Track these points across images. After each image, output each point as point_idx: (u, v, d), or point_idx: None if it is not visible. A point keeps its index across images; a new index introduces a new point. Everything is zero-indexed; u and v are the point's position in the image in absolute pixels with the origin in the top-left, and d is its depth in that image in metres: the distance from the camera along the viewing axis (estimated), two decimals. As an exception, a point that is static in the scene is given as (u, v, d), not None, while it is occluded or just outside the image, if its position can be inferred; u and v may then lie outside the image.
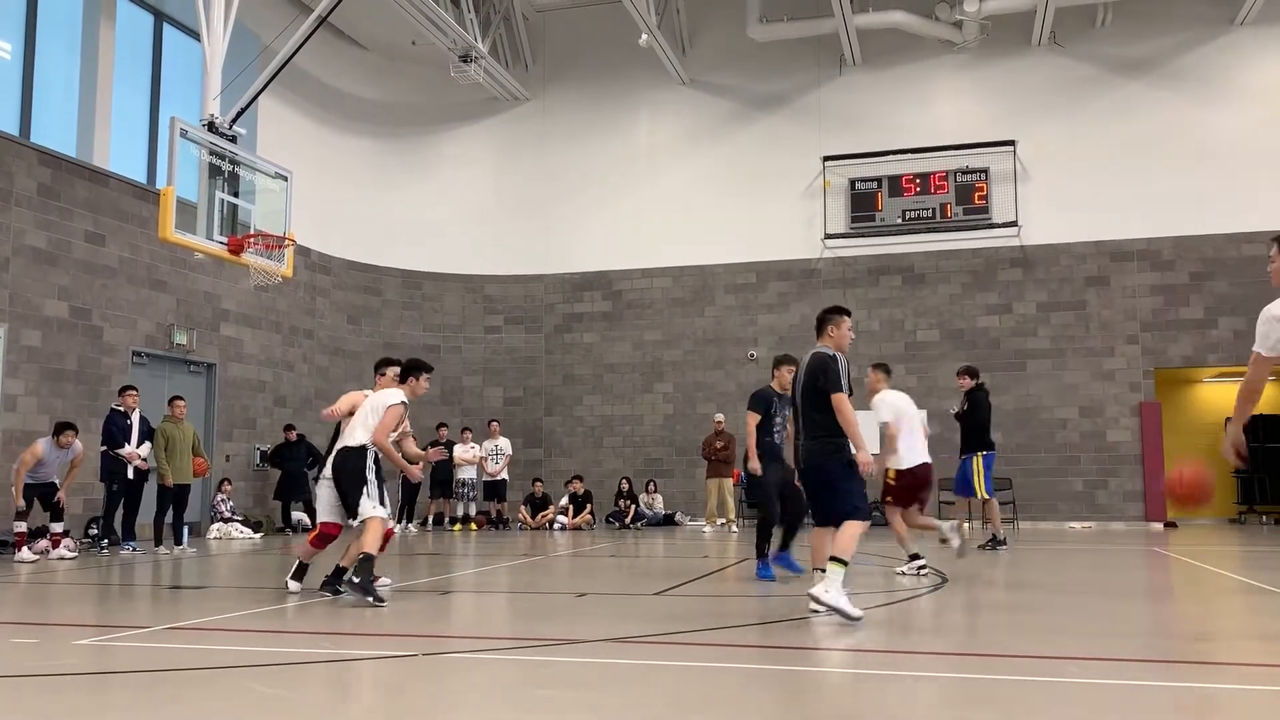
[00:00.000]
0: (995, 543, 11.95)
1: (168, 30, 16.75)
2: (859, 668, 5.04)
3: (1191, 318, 18.22)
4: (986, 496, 12.01)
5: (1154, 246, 18.49)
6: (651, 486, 19.32)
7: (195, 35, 13.67)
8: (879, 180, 19.51)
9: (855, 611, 6.05)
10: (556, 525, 18.25)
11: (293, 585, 7.89)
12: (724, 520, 17.28)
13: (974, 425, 11.94)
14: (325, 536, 7.84)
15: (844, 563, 6.19)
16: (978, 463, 11.79)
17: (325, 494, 7.86)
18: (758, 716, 3.89)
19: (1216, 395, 20.08)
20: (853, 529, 6.37)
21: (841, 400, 6.50)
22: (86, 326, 14.34)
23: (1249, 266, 17.73)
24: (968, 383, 12.14)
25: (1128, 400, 18.30)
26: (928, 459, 9.22)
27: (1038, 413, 18.58)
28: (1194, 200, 18.20)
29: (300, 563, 7.98)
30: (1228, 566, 10.25)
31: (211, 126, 11.72)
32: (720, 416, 18.18)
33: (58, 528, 11.81)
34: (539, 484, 19.03)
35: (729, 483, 17.40)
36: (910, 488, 9.14)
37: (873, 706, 4.16)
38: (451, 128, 21.92)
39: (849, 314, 7.00)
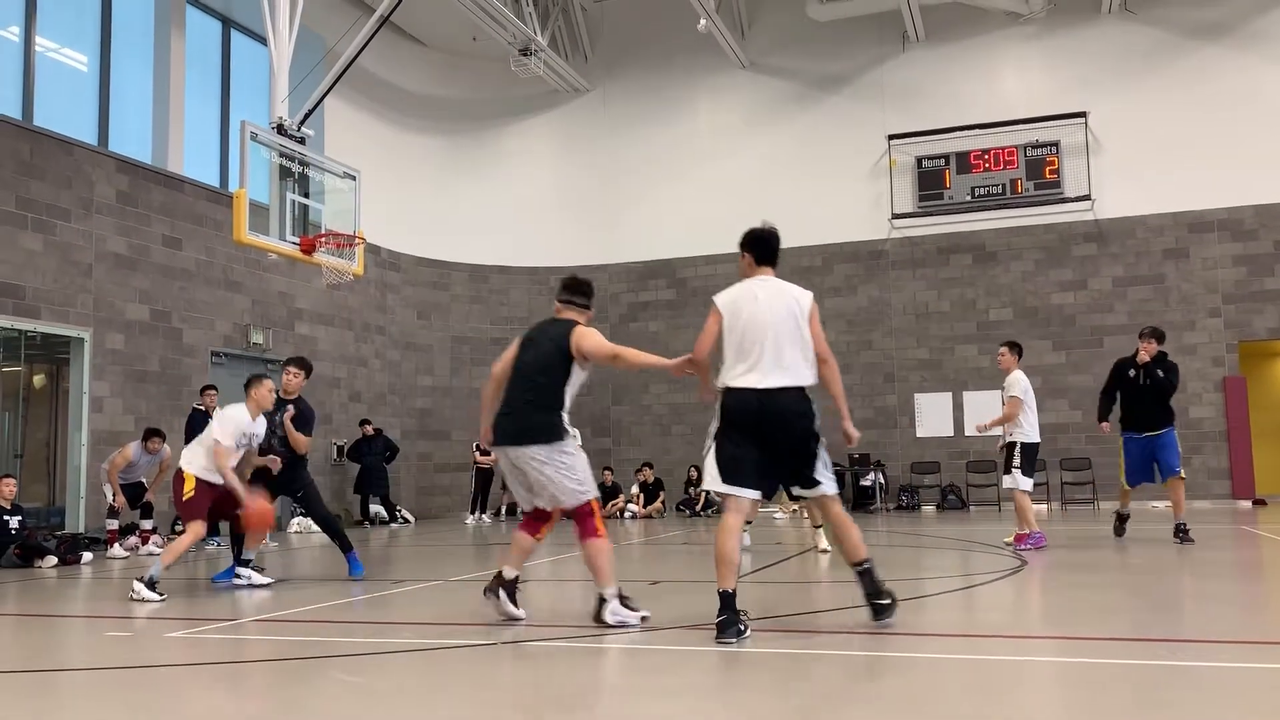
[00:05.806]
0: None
1: (235, 36, 17.10)
2: (943, 652, 4.98)
3: (1277, 288, 17.60)
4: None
5: (1235, 216, 17.89)
6: (722, 473, 19.22)
7: (262, 40, 13.93)
8: (946, 157, 19.17)
9: None
10: (627, 514, 18.32)
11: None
12: (796, 507, 17.16)
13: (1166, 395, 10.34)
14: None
15: None
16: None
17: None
18: (836, 698, 3.87)
19: (1305, 368, 19.42)
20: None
21: None
22: (167, 329, 14.73)
23: (1337, 233, 17.08)
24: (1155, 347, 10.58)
25: (1211, 375, 17.76)
26: None
27: (1116, 390, 18.10)
28: (1275, 166, 17.57)
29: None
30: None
31: (280, 129, 11.92)
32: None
33: (147, 524, 12.23)
34: (609, 473, 19.09)
35: None
36: None
37: (956, 688, 4.11)
38: (513, 121, 22.05)
39: None
